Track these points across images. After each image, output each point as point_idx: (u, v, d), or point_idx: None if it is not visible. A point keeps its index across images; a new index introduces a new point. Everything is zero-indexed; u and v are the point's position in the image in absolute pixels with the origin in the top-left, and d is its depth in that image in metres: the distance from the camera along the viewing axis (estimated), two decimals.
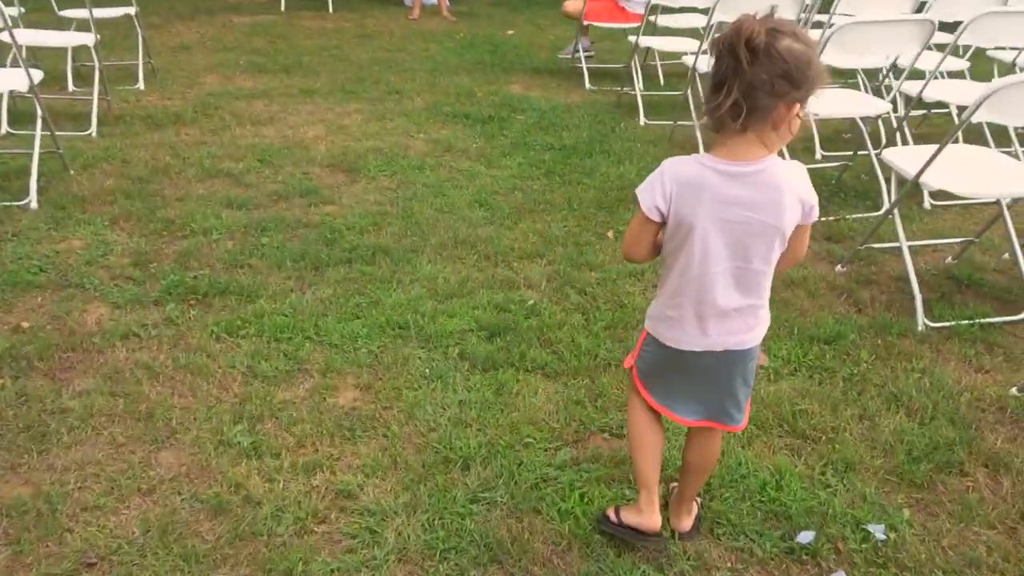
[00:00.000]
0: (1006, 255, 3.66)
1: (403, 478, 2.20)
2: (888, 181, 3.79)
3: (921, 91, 4.08)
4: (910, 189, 3.07)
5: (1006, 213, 3.21)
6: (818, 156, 4.91)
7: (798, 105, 1.56)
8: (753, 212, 1.63)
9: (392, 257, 3.40)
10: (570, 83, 6.60)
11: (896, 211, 3.18)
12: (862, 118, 4.14)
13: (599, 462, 2.28)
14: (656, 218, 1.70)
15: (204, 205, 3.84)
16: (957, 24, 3.79)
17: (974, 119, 2.84)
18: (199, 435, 2.32)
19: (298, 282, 3.19)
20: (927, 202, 4.20)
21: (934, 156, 2.91)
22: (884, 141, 4.30)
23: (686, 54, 5.56)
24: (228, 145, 4.68)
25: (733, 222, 1.65)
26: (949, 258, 3.61)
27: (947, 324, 3.04)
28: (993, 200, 3.31)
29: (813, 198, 1.66)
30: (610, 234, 3.74)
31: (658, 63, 6.64)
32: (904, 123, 4.28)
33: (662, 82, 6.63)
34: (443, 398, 2.52)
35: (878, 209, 4.08)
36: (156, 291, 3.06)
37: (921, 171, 2.96)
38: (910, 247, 3.20)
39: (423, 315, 2.97)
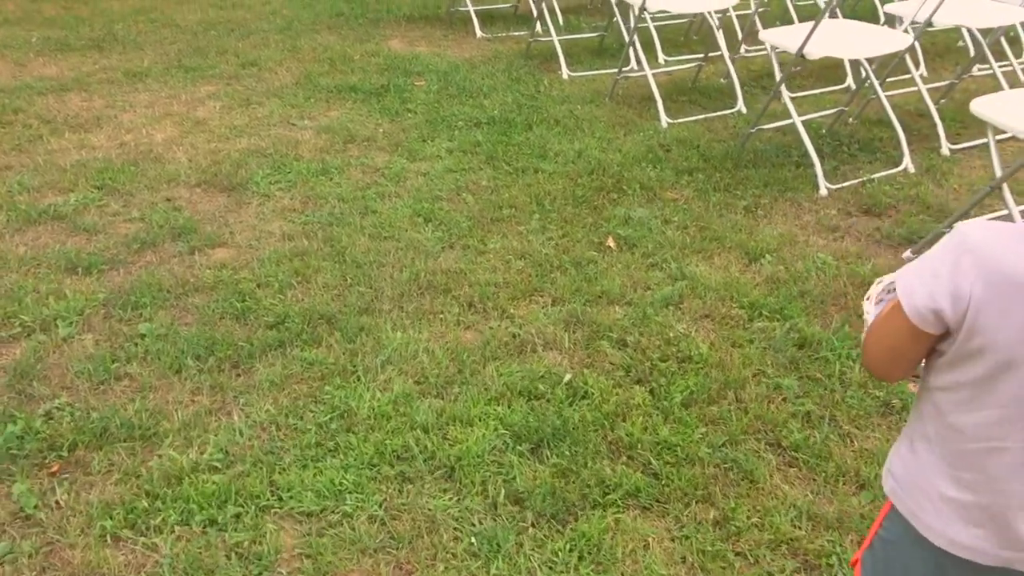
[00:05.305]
0: None
1: None
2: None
3: None
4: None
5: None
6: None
7: None
8: None
9: (341, 328, 2.36)
10: (456, 33, 5.54)
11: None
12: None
13: None
14: (931, 328, 0.92)
15: (32, 275, 2.62)
16: None
17: None
18: None
19: (214, 396, 2.11)
20: (944, 148, 3.57)
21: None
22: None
23: None
24: (46, 168, 3.38)
25: None
26: None
27: None
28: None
29: None
30: (610, 242, 2.85)
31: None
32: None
33: (561, 23, 5.70)
34: None
35: (896, 162, 3.42)
36: None
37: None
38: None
39: (425, 429, 1.98)
